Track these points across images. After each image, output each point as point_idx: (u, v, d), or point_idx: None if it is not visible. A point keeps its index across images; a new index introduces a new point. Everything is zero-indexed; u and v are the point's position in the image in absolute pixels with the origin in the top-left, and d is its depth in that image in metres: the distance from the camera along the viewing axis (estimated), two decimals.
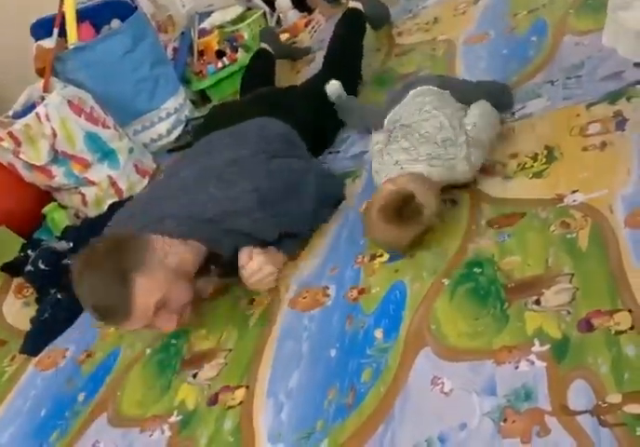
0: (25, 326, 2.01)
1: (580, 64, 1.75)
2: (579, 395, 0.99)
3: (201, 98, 3.16)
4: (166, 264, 1.43)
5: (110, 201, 2.46)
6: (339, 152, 2.04)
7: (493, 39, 2.19)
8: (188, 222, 1.52)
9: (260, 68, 2.59)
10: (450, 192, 1.55)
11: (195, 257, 1.53)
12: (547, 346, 1.08)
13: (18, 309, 2.14)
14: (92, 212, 2.48)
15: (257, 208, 1.53)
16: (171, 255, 1.45)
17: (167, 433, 1.35)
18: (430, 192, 1.43)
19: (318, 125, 2.04)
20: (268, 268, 1.55)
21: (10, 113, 2.49)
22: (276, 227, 1.59)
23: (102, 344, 1.74)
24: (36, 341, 1.87)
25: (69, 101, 2.41)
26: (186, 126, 2.92)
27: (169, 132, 2.89)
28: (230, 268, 1.58)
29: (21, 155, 2.40)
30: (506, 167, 1.55)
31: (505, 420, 1.01)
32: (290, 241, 1.66)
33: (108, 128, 2.53)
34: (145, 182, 2.58)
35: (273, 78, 2.58)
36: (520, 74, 1.89)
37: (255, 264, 1.54)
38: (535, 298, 1.18)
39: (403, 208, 1.37)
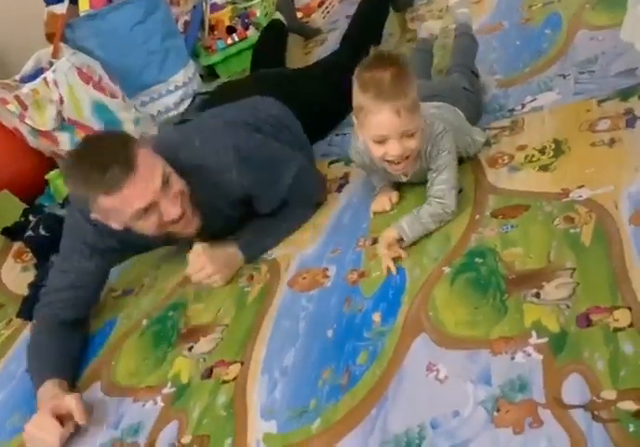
0: (23, 291, 2.00)
1: (593, 59, 1.73)
2: (573, 389, 0.98)
3: (209, 73, 3.13)
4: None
5: None
6: (345, 134, 2.02)
7: (507, 30, 2.16)
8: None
9: (272, 40, 2.55)
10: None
11: None
12: (544, 339, 1.08)
13: (16, 274, 2.13)
14: None
15: (234, 165, 1.52)
16: None
17: (160, 404, 1.34)
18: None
19: (324, 107, 2.01)
20: (209, 270, 1.56)
21: (18, 77, 2.46)
22: (248, 192, 1.58)
23: (100, 312, 1.72)
24: (33, 306, 1.85)
25: (78, 69, 2.38)
26: (194, 99, 2.88)
27: (177, 105, 2.86)
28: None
29: (27, 120, 2.38)
30: (513, 158, 1.53)
31: (498, 410, 1.01)
32: (255, 243, 1.66)
33: (115, 97, 2.50)
34: None
35: (284, 52, 2.54)
36: (532, 66, 1.87)
37: (197, 264, 1.57)
38: (535, 291, 1.17)
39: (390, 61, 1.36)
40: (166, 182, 1.42)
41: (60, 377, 1.42)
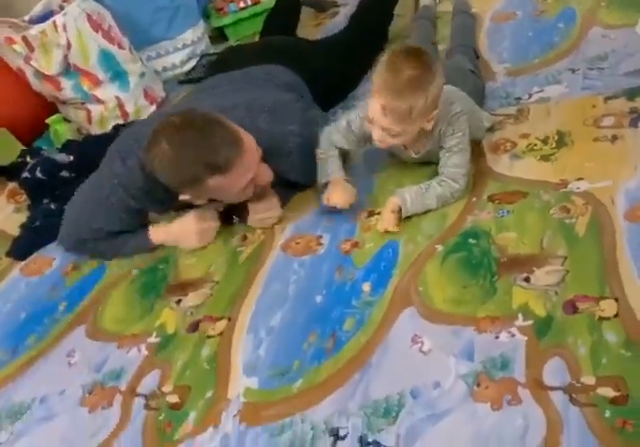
0: (13, 231, 1.97)
1: (603, 56, 1.72)
2: (554, 372, 0.99)
3: (218, 35, 3.08)
4: None
5: (114, 122, 2.40)
6: (354, 106, 2.00)
7: (520, 19, 2.14)
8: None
9: (286, 9, 2.51)
10: None
11: None
12: (530, 322, 1.08)
13: (8, 214, 2.10)
14: (95, 130, 2.42)
15: (296, 151, 1.53)
16: None
17: (144, 352, 1.34)
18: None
19: (328, 80, 1.99)
20: (275, 212, 1.58)
21: (27, 17, 2.40)
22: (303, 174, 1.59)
23: (89, 259, 1.70)
24: (24, 246, 1.84)
25: (88, 15, 2.32)
26: (200, 60, 2.85)
27: (183, 63, 2.82)
28: None
29: (32, 62, 2.32)
30: (516, 146, 1.53)
31: (479, 385, 1.02)
32: (290, 192, 1.66)
33: (123, 49, 2.45)
34: (153, 108, 2.51)
35: (296, 22, 2.50)
36: (542, 58, 1.85)
37: (263, 207, 1.57)
38: (525, 275, 1.18)
39: (415, 54, 1.30)
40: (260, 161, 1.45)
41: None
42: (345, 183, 1.50)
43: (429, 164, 1.52)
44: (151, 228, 1.62)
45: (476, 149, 1.57)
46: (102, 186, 1.55)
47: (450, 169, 1.42)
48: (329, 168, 1.53)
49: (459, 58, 1.77)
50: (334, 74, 1.99)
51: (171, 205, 1.60)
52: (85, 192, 1.64)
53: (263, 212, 1.57)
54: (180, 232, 1.60)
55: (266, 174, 1.49)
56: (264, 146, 1.46)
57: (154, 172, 1.39)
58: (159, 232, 1.63)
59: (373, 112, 1.35)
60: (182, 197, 1.45)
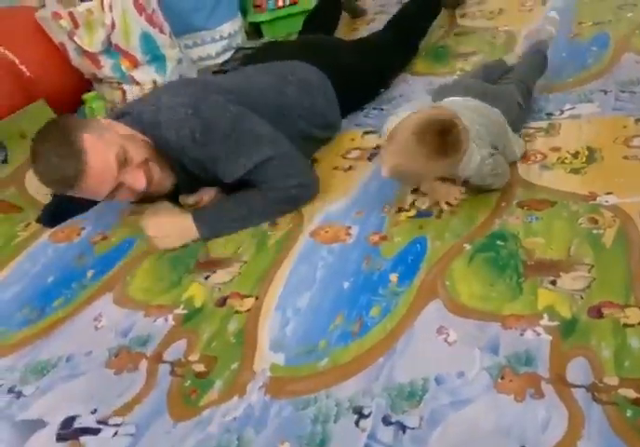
0: (44, 199, 1.99)
1: (636, 81, 1.75)
2: (578, 371, 1.00)
3: (254, 31, 3.11)
4: (114, 129, 1.46)
5: None
6: (382, 109, 2.02)
7: (555, 41, 2.16)
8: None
9: (327, 10, 2.54)
10: None
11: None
12: (555, 323, 1.10)
13: (39, 183, 2.10)
14: None
15: (185, 124, 1.47)
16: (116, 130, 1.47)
17: (171, 322, 1.35)
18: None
19: (360, 81, 2.01)
20: (149, 232, 1.59)
21: None
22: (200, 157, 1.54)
23: (120, 230, 1.72)
24: (55, 214, 1.85)
25: None
26: (235, 53, 2.87)
27: (218, 55, 2.85)
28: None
29: (76, 38, 2.35)
30: (546, 158, 1.55)
31: (502, 377, 1.03)
32: (214, 223, 1.59)
33: (164, 33, 2.48)
34: None
35: (335, 25, 2.54)
36: (575, 78, 1.88)
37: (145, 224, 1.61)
38: (552, 279, 1.19)
39: (444, 133, 1.24)
40: (123, 161, 1.42)
41: None
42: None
43: None
44: None
45: None
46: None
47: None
48: None
49: (512, 88, 1.71)
50: (366, 74, 2.02)
51: None
52: None
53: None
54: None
55: (137, 183, 1.46)
56: (157, 121, 1.47)
57: None
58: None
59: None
60: None
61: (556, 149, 1.57)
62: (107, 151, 1.40)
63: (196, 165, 1.53)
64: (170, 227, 1.58)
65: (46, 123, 1.43)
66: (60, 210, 1.86)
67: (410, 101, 1.98)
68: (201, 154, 1.49)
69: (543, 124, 1.69)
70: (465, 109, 1.45)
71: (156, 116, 1.49)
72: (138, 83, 2.44)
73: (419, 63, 2.28)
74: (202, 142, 1.47)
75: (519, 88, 1.71)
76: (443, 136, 1.24)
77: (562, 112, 1.72)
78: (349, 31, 2.82)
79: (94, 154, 1.38)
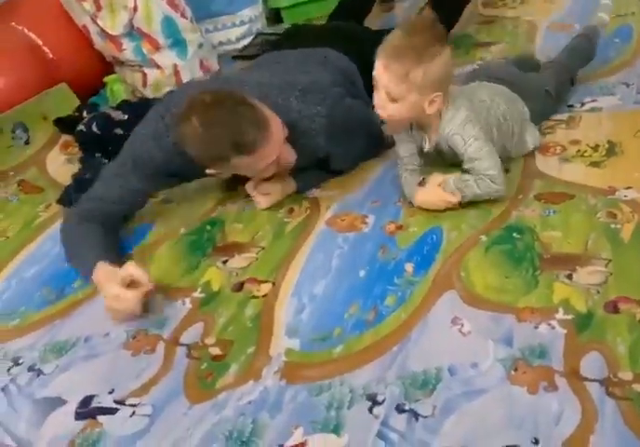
0: (64, 180, 1.99)
1: None
2: (592, 365, 1.00)
3: (274, 16, 3.08)
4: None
5: (169, 88, 2.41)
6: None
7: (576, 32, 2.13)
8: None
9: None
10: (505, 162, 1.54)
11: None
12: (570, 316, 1.09)
13: (60, 164, 2.12)
14: (149, 94, 2.44)
15: (322, 132, 1.51)
16: None
17: (188, 305, 1.36)
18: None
19: None
20: (272, 198, 1.61)
21: None
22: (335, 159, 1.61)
23: (137, 216, 1.72)
24: (75, 195, 1.86)
25: None
26: (255, 38, 2.85)
27: (238, 40, 2.83)
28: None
29: (98, 21, 2.35)
30: (565, 150, 1.53)
31: (516, 369, 1.03)
32: (321, 176, 1.67)
33: (185, 18, 2.46)
34: None
35: (369, 10, 2.46)
36: (596, 71, 1.85)
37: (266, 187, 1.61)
38: (568, 272, 1.18)
39: (427, 28, 1.31)
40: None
41: (110, 260, 1.39)
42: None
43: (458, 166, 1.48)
44: (100, 263, 1.38)
45: None
46: (133, 142, 1.56)
47: (482, 173, 1.37)
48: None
49: (546, 75, 1.69)
50: None
51: (196, 175, 1.61)
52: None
53: (262, 191, 1.60)
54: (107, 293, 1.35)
55: (289, 155, 1.50)
56: (293, 125, 1.47)
57: (183, 147, 1.40)
58: (101, 270, 1.38)
59: (376, 69, 1.34)
60: (208, 171, 1.47)
61: (576, 142, 1.55)
62: (276, 120, 1.41)
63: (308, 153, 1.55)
64: (271, 186, 1.61)
65: (218, 96, 1.38)
66: (79, 192, 1.86)
67: None
68: (326, 146, 1.54)
69: (564, 116, 1.67)
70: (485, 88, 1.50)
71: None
72: (159, 66, 2.43)
73: None
74: (331, 134, 1.51)
75: (557, 75, 1.68)
76: (428, 30, 1.30)
77: (583, 104, 1.70)
78: (379, 12, 2.75)
79: (275, 122, 1.40)
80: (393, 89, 1.32)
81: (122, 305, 1.31)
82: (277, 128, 1.41)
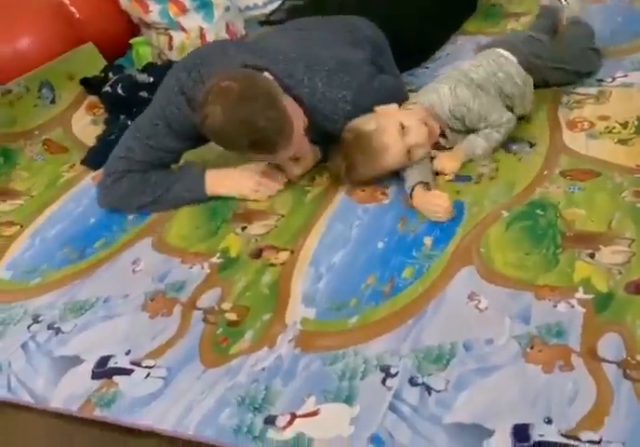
0: (88, 141, 1.98)
1: None
2: (610, 346, 0.97)
3: None
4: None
5: None
6: (427, 68, 1.95)
7: (610, 4, 2.05)
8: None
9: None
10: (530, 134, 1.49)
11: None
12: (590, 296, 1.06)
13: (85, 124, 2.10)
14: (175, 57, 2.39)
15: (343, 119, 1.46)
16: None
17: (207, 270, 1.35)
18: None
19: (415, 39, 1.93)
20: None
21: None
22: None
23: None
24: (99, 156, 1.83)
25: None
26: (282, 4, 2.78)
27: (265, 5, 2.75)
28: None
29: None
30: (593, 126, 1.47)
31: (532, 347, 1.00)
32: None
33: None
34: None
35: None
36: (629, 45, 1.78)
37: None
38: (590, 251, 1.15)
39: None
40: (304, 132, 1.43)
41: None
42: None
43: None
44: (208, 172, 1.52)
45: (552, 123, 1.53)
46: (160, 98, 1.52)
47: (498, 124, 1.44)
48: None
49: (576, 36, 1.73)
50: (421, 32, 1.93)
51: None
52: (139, 117, 1.59)
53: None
54: (238, 178, 1.53)
55: (303, 150, 1.50)
56: (315, 108, 1.44)
57: (202, 128, 1.36)
58: (216, 175, 1.53)
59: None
60: None
61: (605, 118, 1.49)
62: (298, 118, 1.40)
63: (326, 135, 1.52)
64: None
65: (249, 91, 1.33)
66: (103, 153, 1.84)
67: (455, 61, 1.89)
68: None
69: (593, 90, 1.60)
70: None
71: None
72: (184, 29, 2.37)
73: (468, 22, 2.18)
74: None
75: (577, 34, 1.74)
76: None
77: (613, 79, 1.63)
78: None
79: (298, 122, 1.38)
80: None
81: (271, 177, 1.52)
82: (299, 128, 1.39)
